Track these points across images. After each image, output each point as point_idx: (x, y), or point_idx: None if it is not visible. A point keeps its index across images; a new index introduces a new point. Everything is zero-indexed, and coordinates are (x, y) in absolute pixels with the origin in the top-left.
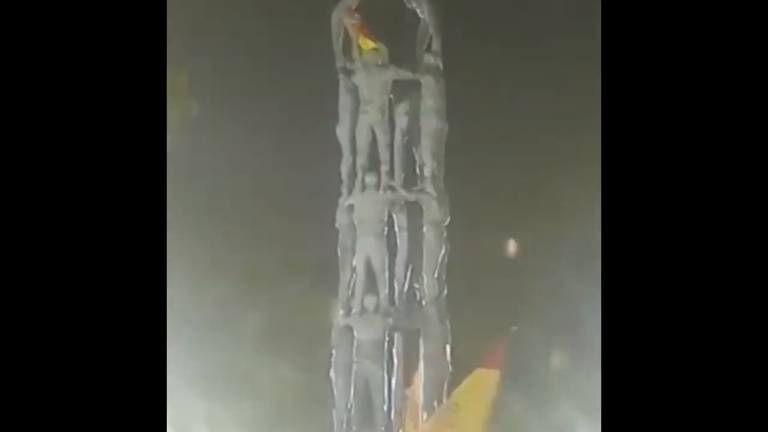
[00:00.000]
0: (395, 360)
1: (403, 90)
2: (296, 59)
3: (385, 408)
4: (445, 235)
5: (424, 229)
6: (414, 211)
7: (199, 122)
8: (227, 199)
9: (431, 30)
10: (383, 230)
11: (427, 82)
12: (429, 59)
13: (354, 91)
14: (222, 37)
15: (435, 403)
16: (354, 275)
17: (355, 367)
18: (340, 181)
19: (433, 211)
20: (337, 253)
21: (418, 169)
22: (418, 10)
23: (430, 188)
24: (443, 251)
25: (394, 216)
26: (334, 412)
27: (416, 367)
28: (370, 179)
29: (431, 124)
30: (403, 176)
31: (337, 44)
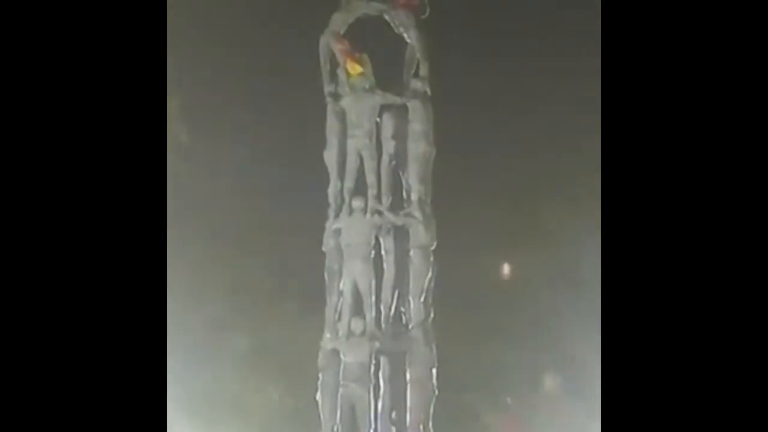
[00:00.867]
0: (381, 383)
1: (391, 115)
2: (285, 84)
3: (371, 431)
4: (431, 259)
5: (411, 253)
6: (401, 235)
7: (189, 147)
8: (215, 222)
9: (418, 55)
10: (370, 254)
11: (415, 107)
12: (416, 84)
13: (341, 116)
14: (212, 63)
15: (421, 427)
16: (341, 299)
17: (341, 390)
18: (328, 205)
19: (420, 235)
20: (324, 277)
21: (405, 194)
22: (405, 35)
23: (416, 212)
24: (430, 275)
25: (381, 240)
26: None
27: (403, 391)
28: (357, 203)
29: (418, 148)
30: (390, 200)
31: (325, 69)
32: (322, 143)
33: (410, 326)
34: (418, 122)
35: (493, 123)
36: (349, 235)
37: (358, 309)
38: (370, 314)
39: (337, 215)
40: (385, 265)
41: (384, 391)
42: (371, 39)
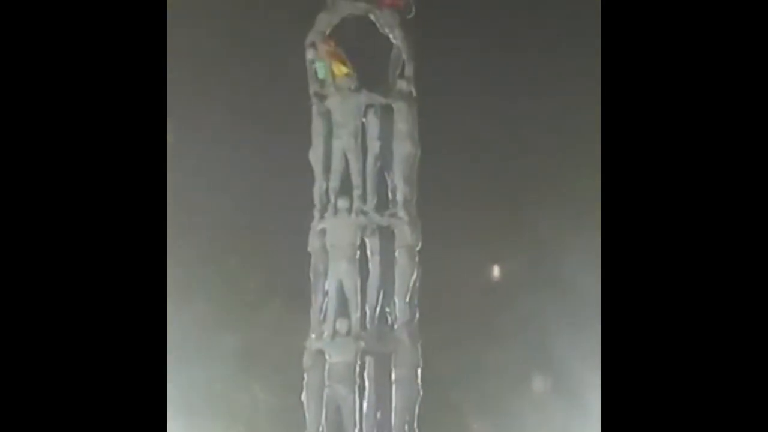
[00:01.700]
0: (367, 383)
1: (376, 115)
2: (270, 84)
3: (357, 431)
4: (417, 259)
5: (396, 254)
6: (386, 235)
7: (173, 146)
8: (200, 222)
9: (404, 55)
10: (355, 254)
11: (400, 107)
12: (402, 84)
13: (327, 116)
14: (195, 63)
15: (406, 428)
16: (326, 299)
17: (327, 390)
18: (313, 205)
19: (405, 235)
20: (309, 277)
21: (390, 194)
22: (390, 36)
23: (402, 213)
24: (415, 275)
25: (367, 240)
26: None
27: (388, 391)
28: (342, 203)
29: (404, 148)
30: (375, 201)
31: (311, 69)
32: (307, 143)
33: (395, 327)
34: (403, 122)
35: (479, 123)
36: (335, 235)
37: (343, 309)
38: (356, 315)
39: (322, 215)
40: (370, 266)
41: (369, 392)
42: (357, 39)
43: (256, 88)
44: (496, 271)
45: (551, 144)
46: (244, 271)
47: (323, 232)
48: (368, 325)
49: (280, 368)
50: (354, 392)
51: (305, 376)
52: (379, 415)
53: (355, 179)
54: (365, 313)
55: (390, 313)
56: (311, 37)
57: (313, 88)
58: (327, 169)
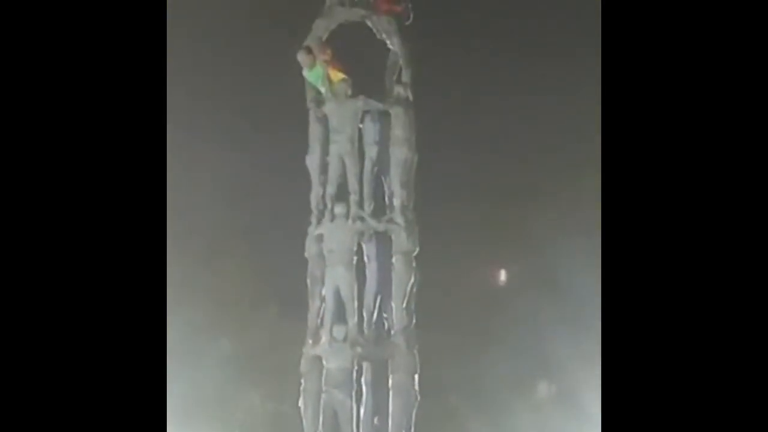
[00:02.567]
0: (364, 389)
1: (373, 120)
2: (267, 89)
3: None
4: (414, 265)
5: (393, 259)
6: (383, 241)
7: (170, 150)
8: (197, 226)
9: (401, 61)
10: (352, 260)
11: (397, 113)
12: (399, 90)
13: (324, 121)
14: (193, 67)
15: None
16: (323, 305)
17: (323, 396)
18: (310, 211)
19: (402, 241)
20: (306, 283)
21: (387, 199)
22: (387, 42)
23: (399, 218)
24: (412, 281)
25: (364, 246)
26: None
27: (385, 397)
28: (339, 209)
29: (400, 154)
30: (372, 206)
31: (307, 75)
32: (304, 148)
33: (392, 332)
34: (400, 128)
35: (476, 129)
36: (332, 240)
37: (340, 315)
38: (353, 320)
39: (319, 221)
40: (367, 271)
41: (366, 397)
42: (354, 45)
43: (254, 93)
44: (493, 276)
45: (549, 149)
46: (240, 277)
47: (320, 237)
48: (365, 331)
49: (277, 374)
50: (351, 398)
51: (302, 381)
52: (376, 420)
53: (352, 185)
54: (362, 318)
55: (387, 319)
56: (308, 43)
57: (310, 93)
58: (324, 174)
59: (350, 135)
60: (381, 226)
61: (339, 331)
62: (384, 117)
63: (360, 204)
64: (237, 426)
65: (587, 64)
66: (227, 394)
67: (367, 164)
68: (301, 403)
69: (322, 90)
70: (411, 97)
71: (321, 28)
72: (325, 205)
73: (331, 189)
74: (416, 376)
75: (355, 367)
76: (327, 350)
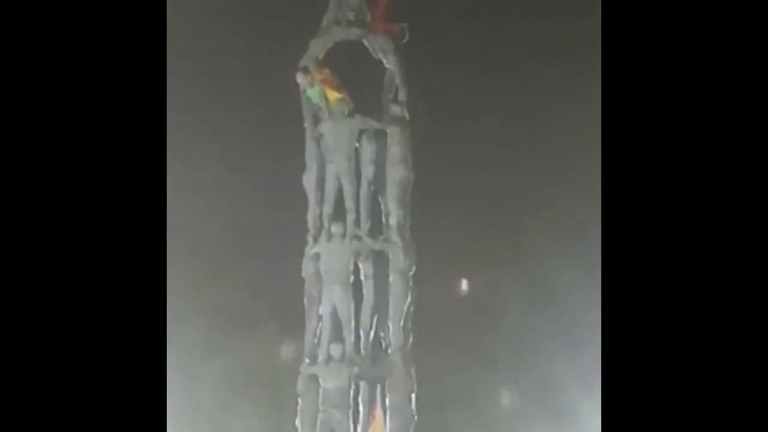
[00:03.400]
0: (361, 408)
1: (370, 139)
2: (264, 107)
3: None
4: (410, 284)
5: (390, 278)
6: (380, 260)
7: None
8: (193, 245)
9: (397, 80)
10: (349, 279)
11: (393, 132)
12: (395, 109)
13: (320, 140)
14: (188, 84)
15: None
16: (320, 324)
17: (321, 415)
18: (307, 230)
19: (399, 260)
20: (303, 302)
21: (384, 218)
22: (384, 61)
23: (395, 237)
24: (409, 300)
25: (360, 265)
26: None
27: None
28: (336, 228)
29: (397, 173)
30: (369, 225)
31: (304, 94)
32: (301, 167)
33: (389, 351)
34: (396, 147)
35: (472, 148)
36: (329, 260)
37: (337, 334)
38: (350, 339)
39: (316, 240)
40: (364, 290)
41: (363, 417)
42: (350, 64)
43: (250, 112)
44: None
45: (547, 166)
46: (237, 296)
47: (317, 256)
48: (362, 350)
49: (274, 393)
50: (348, 417)
51: (299, 401)
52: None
53: (349, 204)
54: (359, 337)
55: (384, 338)
56: (304, 62)
57: (306, 113)
58: (321, 193)
59: (347, 154)
60: (378, 245)
61: (336, 350)
62: (381, 136)
63: (357, 223)
64: None
65: (586, 78)
66: (224, 413)
67: (364, 183)
68: (298, 422)
69: (321, 105)
70: (407, 116)
71: (318, 47)
72: (322, 225)
73: (327, 208)
74: (413, 395)
75: (352, 387)
76: (324, 369)
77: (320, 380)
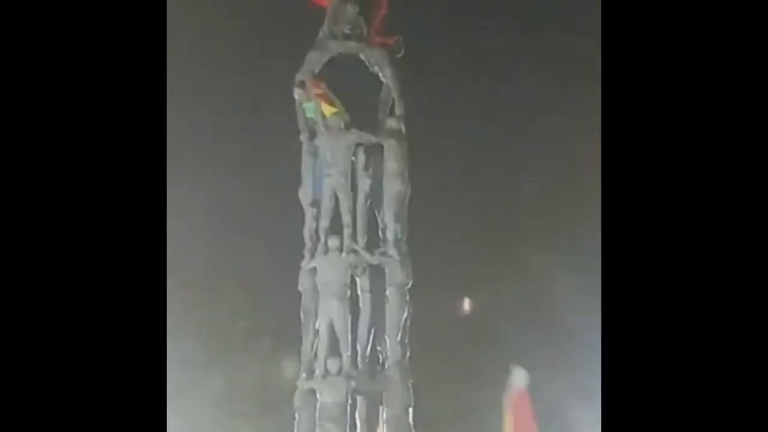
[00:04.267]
0: (358, 423)
1: (366, 153)
2: (260, 122)
3: None
4: (407, 297)
5: (387, 292)
6: (377, 274)
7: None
8: (189, 260)
9: (394, 94)
10: (346, 293)
11: (390, 145)
12: (391, 123)
13: (317, 155)
14: (186, 100)
15: None
16: (317, 338)
17: (318, 430)
18: (303, 244)
19: (396, 273)
20: (299, 316)
21: (380, 232)
22: (380, 74)
23: (392, 251)
24: (406, 314)
25: (357, 279)
26: None
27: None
28: (332, 242)
29: (394, 187)
30: (365, 239)
31: (300, 108)
32: (297, 181)
33: (386, 365)
34: (393, 161)
35: (469, 161)
36: (325, 274)
37: (334, 348)
38: (346, 354)
39: (312, 254)
40: (361, 304)
41: (360, 431)
42: (347, 78)
43: (245, 127)
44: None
45: (546, 181)
46: (234, 311)
47: (313, 270)
48: (359, 364)
49: (271, 408)
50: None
51: (296, 415)
52: None
53: (346, 218)
54: (356, 351)
55: (381, 352)
56: (300, 76)
57: (302, 126)
58: (317, 207)
59: (343, 168)
60: (374, 259)
61: (333, 365)
62: (377, 150)
63: (353, 237)
64: None
65: (586, 100)
66: (221, 429)
67: (361, 197)
68: None
69: (317, 120)
70: (404, 130)
71: (314, 61)
72: (318, 239)
73: (324, 222)
74: (410, 410)
75: (349, 401)
76: (321, 384)
77: (317, 394)
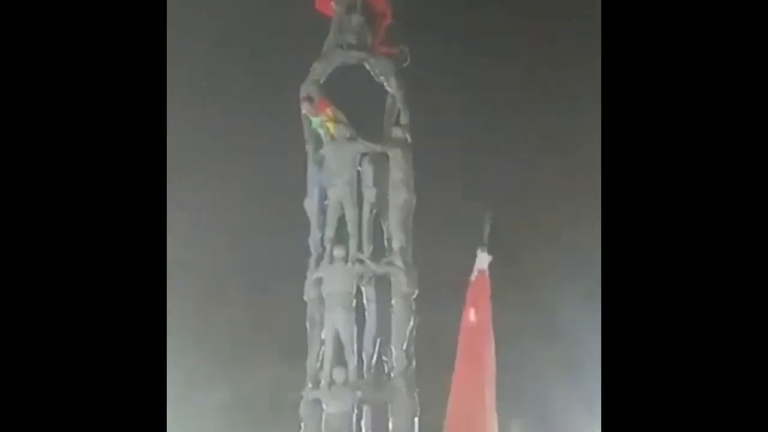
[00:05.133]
0: None
1: (371, 163)
2: (264, 131)
3: None
4: (413, 307)
5: (393, 302)
6: (382, 283)
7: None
8: (192, 270)
9: (399, 103)
10: (352, 303)
11: (395, 155)
12: (397, 132)
13: (322, 164)
14: (189, 107)
15: None
16: (322, 348)
17: None
18: (309, 254)
19: (402, 283)
20: (305, 326)
21: (386, 242)
22: (385, 84)
23: (398, 261)
24: (412, 323)
25: (363, 289)
26: None
27: None
28: (338, 252)
29: (399, 196)
30: (371, 249)
31: (305, 118)
32: (302, 191)
33: (392, 375)
34: (398, 170)
35: (474, 171)
36: (331, 284)
37: (339, 358)
38: (352, 363)
39: (318, 264)
40: (366, 314)
41: None
42: (352, 87)
43: (249, 137)
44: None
45: (549, 193)
46: (239, 321)
47: (319, 280)
48: (365, 374)
49: (277, 418)
50: None
51: (302, 425)
52: None
53: (351, 228)
54: (362, 361)
55: (387, 362)
56: (306, 86)
57: (308, 137)
58: (322, 217)
59: (349, 178)
60: (380, 269)
61: (339, 375)
62: (382, 159)
63: (359, 247)
64: None
65: (588, 109)
66: None
67: (366, 207)
68: None
69: (321, 133)
70: (409, 139)
71: (319, 70)
72: (323, 248)
73: (329, 232)
74: (416, 419)
75: (355, 411)
76: (327, 394)
77: (323, 405)
